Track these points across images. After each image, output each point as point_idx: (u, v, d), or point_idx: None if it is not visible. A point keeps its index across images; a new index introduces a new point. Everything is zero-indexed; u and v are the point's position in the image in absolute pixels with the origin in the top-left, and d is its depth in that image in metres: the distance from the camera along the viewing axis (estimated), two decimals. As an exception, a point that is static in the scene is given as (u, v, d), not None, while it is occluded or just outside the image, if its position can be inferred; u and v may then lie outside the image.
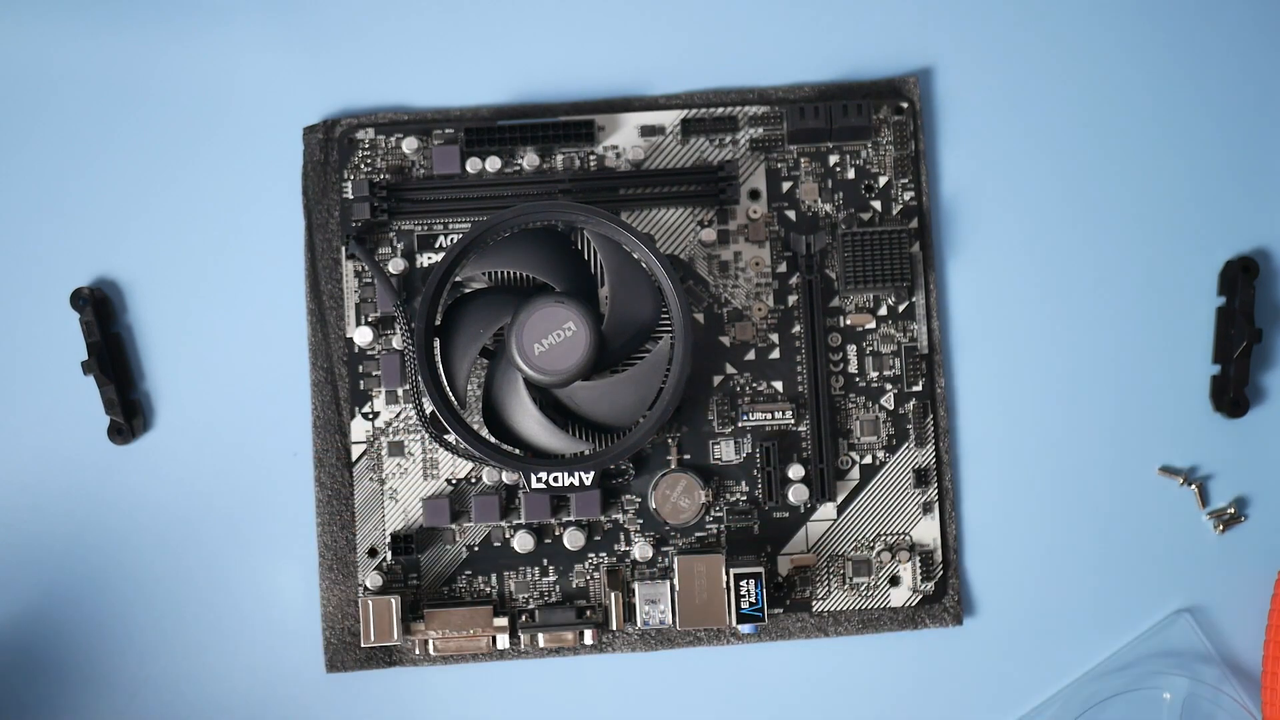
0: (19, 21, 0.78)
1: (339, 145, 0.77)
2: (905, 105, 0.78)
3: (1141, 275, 0.79)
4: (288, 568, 0.77)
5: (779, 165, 0.78)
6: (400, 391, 0.77)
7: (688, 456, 0.77)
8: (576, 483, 0.74)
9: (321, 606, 0.76)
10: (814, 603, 0.76)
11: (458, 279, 0.73)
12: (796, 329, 0.77)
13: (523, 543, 0.76)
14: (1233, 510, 0.78)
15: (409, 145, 0.77)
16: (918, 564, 0.76)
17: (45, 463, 0.77)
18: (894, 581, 0.77)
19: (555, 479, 0.74)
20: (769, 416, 0.77)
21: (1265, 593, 0.77)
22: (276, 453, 0.77)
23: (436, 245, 0.77)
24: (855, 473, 0.77)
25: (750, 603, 0.74)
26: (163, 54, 0.78)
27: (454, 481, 0.76)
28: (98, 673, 0.76)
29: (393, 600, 0.74)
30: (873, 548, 0.77)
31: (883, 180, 0.78)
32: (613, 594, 0.75)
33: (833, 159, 0.78)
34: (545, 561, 0.77)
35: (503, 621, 0.75)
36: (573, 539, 0.76)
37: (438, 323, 0.73)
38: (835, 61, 0.79)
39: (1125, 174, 0.79)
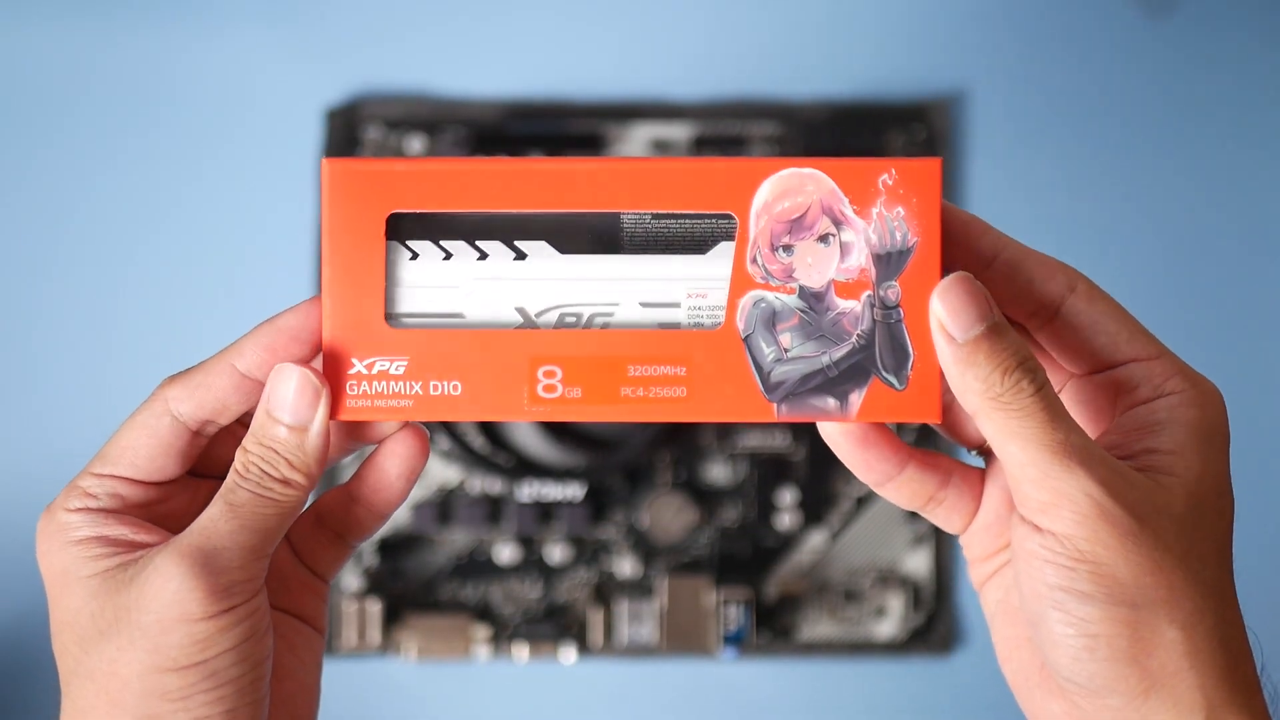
0: (30, 22, 0.78)
1: (352, 134, 0.77)
2: (923, 133, 0.77)
3: (1159, 314, 0.78)
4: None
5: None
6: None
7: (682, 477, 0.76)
8: (567, 497, 0.74)
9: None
10: (801, 629, 0.76)
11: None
12: (797, 353, 0.77)
13: (509, 554, 0.75)
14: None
15: (411, 148, 0.76)
16: (910, 597, 0.76)
17: (45, 461, 0.76)
18: (882, 612, 0.76)
19: (543, 495, 0.73)
20: (764, 441, 0.76)
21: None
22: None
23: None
24: (848, 502, 0.76)
25: (736, 627, 0.73)
26: (184, 49, 0.78)
27: (444, 489, 0.76)
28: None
29: (367, 604, 0.73)
30: (864, 577, 0.76)
31: (893, 208, 0.77)
32: (598, 611, 0.75)
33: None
34: (532, 574, 0.76)
35: (485, 632, 0.74)
36: (559, 553, 0.75)
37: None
38: (862, 78, 0.79)
39: (1155, 215, 0.79)
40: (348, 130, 0.77)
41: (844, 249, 0.39)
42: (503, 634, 0.75)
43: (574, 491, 0.74)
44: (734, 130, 0.77)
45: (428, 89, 0.78)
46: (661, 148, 0.77)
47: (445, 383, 0.40)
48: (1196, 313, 0.78)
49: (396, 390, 0.40)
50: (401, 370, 0.40)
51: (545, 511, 0.74)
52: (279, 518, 0.40)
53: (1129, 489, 0.37)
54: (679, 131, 0.77)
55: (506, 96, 0.78)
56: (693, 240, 0.40)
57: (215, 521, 0.39)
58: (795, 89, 0.78)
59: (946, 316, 0.38)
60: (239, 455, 0.40)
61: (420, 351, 0.40)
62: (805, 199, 0.39)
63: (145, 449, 0.41)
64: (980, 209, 0.79)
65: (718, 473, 0.76)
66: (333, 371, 0.40)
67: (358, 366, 0.40)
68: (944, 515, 0.43)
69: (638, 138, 0.77)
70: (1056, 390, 0.41)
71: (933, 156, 0.40)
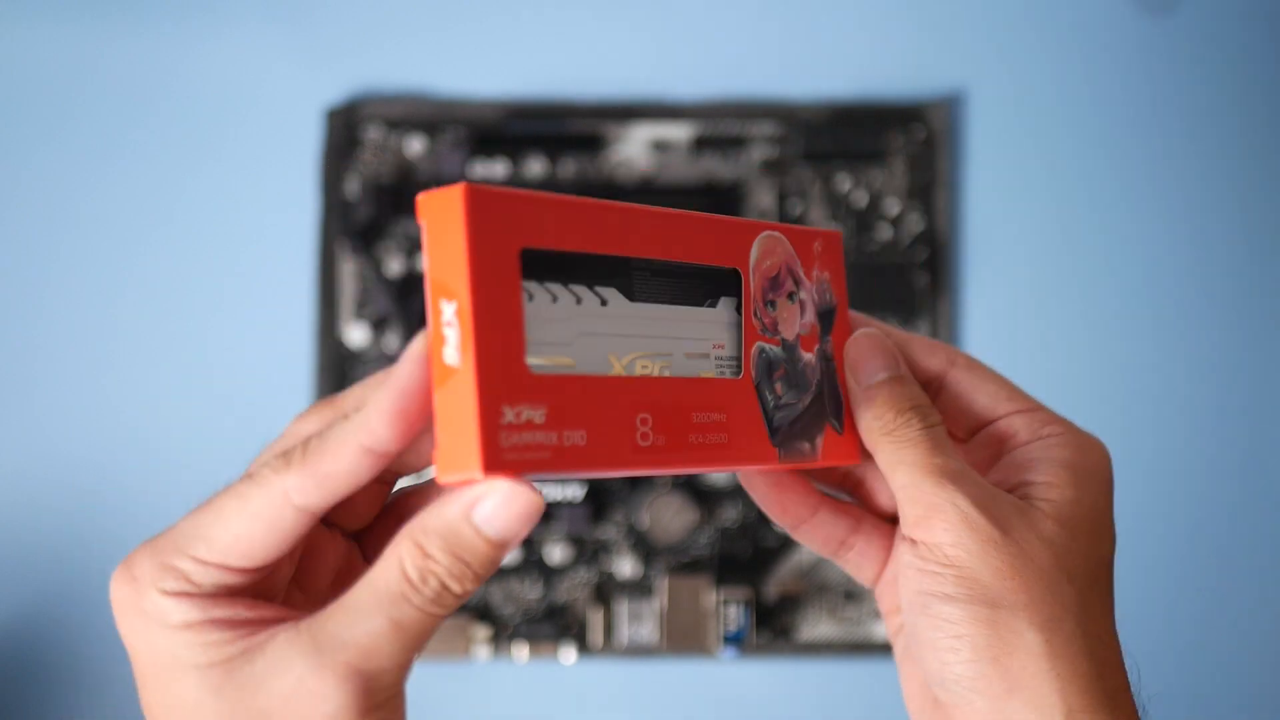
0: (30, 22, 0.78)
1: (352, 134, 0.77)
2: (923, 133, 0.77)
3: (1158, 314, 0.78)
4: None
5: (790, 185, 0.77)
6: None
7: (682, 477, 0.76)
8: (567, 497, 0.74)
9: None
10: (801, 629, 0.76)
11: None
12: (797, 353, 0.77)
13: (509, 554, 0.75)
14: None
15: (411, 148, 0.76)
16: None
17: (45, 462, 0.76)
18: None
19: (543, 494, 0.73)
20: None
21: None
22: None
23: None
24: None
25: (736, 627, 0.73)
26: (184, 49, 0.78)
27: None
28: (93, 670, 0.75)
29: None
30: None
31: (895, 208, 0.77)
32: (598, 611, 0.75)
33: (845, 185, 0.77)
34: (533, 574, 0.76)
35: (485, 632, 0.74)
36: (559, 553, 0.75)
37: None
38: (862, 78, 0.79)
39: (1154, 214, 0.79)
40: (348, 130, 0.77)
41: (801, 306, 0.43)
42: (503, 634, 0.75)
43: (574, 491, 0.74)
44: (734, 130, 0.77)
45: (428, 89, 0.78)
46: (661, 148, 0.77)
47: (575, 433, 0.37)
48: (1196, 312, 0.78)
49: (539, 441, 0.36)
50: (542, 419, 0.36)
51: (545, 511, 0.74)
52: (436, 628, 0.36)
53: (996, 505, 0.40)
54: (679, 131, 0.77)
55: (506, 96, 0.78)
56: (702, 294, 0.41)
57: (378, 640, 0.35)
58: (795, 89, 0.78)
59: (853, 365, 0.43)
60: (412, 557, 0.35)
61: (556, 399, 0.36)
62: (776, 260, 0.42)
63: (263, 541, 0.36)
64: (980, 208, 0.79)
65: (717, 473, 0.76)
66: (489, 421, 0.35)
67: (509, 415, 0.35)
68: (855, 563, 0.45)
69: (638, 138, 0.77)
70: None
71: (835, 230, 0.44)
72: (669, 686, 0.77)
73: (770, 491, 0.44)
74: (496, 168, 0.76)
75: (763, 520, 0.76)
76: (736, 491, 0.76)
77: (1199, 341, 0.78)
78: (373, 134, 0.77)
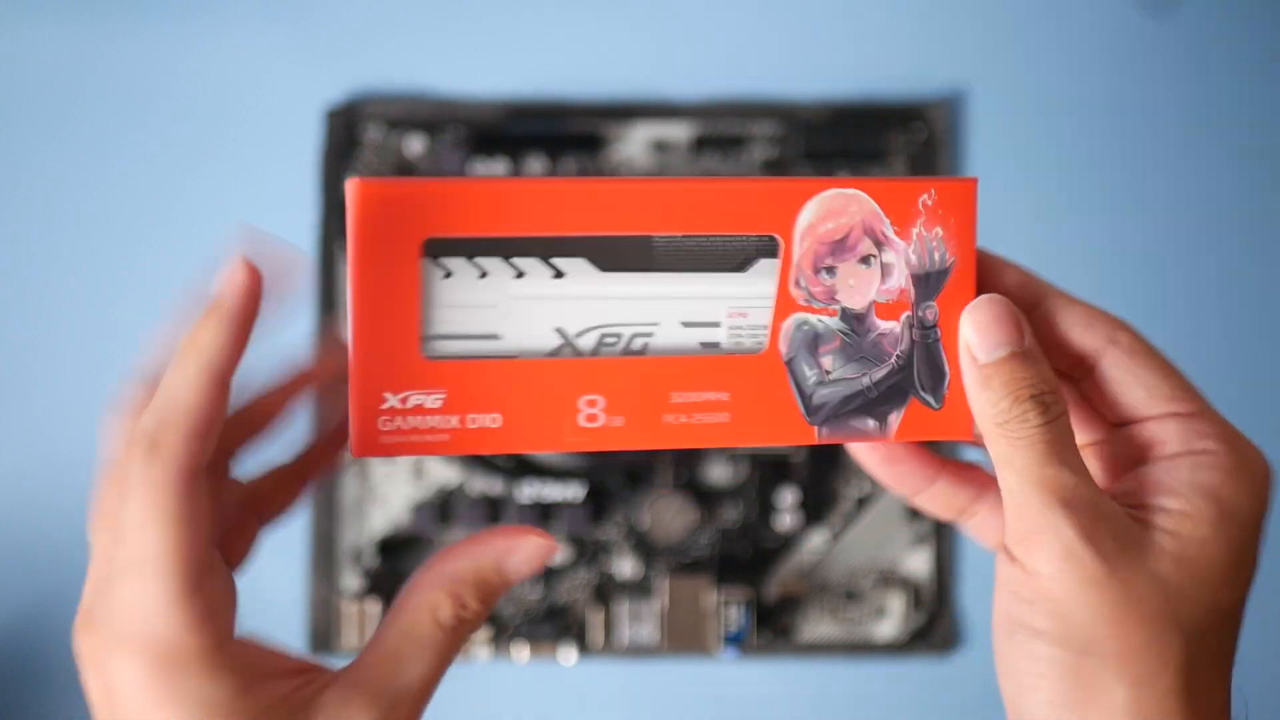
0: (30, 22, 0.78)
1: (352, 134, 0.77)
2: (923, 133, 0.77)
3: (1159, 314, 0.78)
4: (274, 564, 0.76)
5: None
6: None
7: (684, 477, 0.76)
8: (567, 497, 0.74)
9: (307, 604, 0.75)
10: (802, 629, 0.76)
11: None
12: (797, 353, 0.77)
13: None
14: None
15: (411, 148, 0.76)
16: (910, 597, 0.76)
17: (45, 462, 0.76)
18: (882, 613, 0.76)
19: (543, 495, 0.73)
20: (765, 440, 0.76)
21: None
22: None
23: (439, 249, 0.76)
24: (848, 502, 0.76)
25: (736, 627, 0.73)
26: (184, 49, 0.78)
27: (443, 490, 0.76)
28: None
29: (367, 604, 0.73)
30: (864, 577, 0.76)
31: (893, 208, 0.77)
32: (599, 611, 0.75)
33: (843, 184, 0.77)
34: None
35: (485, 632, 0.74)
36: (559, 554, 0.75)
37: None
38: (862, 78, 0.79)
39: (1156, 216, 0.79)
40: (348, 130, 0.77)
41: (885, 270, 0.39)
42: (503, 634, 0.75)
43: (574, 492, 0.74)
44: (734, 130, 0.77)
45: (428, 89, 0.78)
46: (661, 148, 0.77)
47: (484, 415, 0.37)
48: (1198, 312, 0.78)
49: (433, 425, 0.37)
50: (439, 404, 0.37)
51: (545, 512, 0.74)
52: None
53: (1108, 538, 0.36)
54: (679, 131, 0.77)
55: (506, 96, 0.78)
56: (730, 257, 0.39)
57: (430, 685, 0.38)
58: (795, 89, 0.78)
59: (972, 337, 0.38)
60: (451, 609, 0.38)
61: (459, 383, 0.37)
62: (848, 220, 0.39)
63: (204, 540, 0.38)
64: (980, 208, 0.79)
65: (718, 473, 0.76)
66: (364, 406, 0.37)
67: (391, 401, 0.37)
68: (978, 528, 0.43)
69: (638, 138, 0.77)
70: (1093, 441, 0.40)
71: (970, 177, 0.40)
72: (669, 687, 0.77)
73: (881, 465, 0.42)
74: (497, 167, 0.77)
75: (763, 520, 0.76)
76: (737, 492, 0.76)
77: (1200, 342, 0.78)
78: (373, 134, 0.77)
